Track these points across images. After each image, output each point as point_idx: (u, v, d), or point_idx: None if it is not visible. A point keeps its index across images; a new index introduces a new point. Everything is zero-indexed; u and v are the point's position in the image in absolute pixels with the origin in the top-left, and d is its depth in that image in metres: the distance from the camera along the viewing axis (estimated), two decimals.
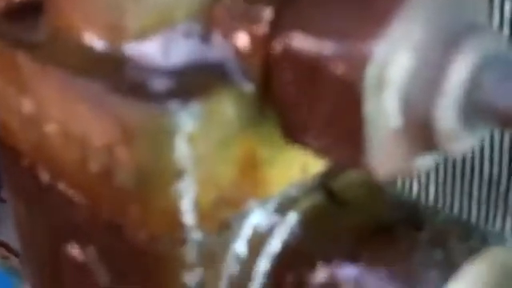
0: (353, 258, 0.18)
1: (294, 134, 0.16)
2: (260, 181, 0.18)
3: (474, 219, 0.41)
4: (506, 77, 0.13)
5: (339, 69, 0.14)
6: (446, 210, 0.42)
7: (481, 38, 0.13)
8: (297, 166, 0.19)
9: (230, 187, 0.18)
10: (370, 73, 0.13)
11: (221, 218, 0.18)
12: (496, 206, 0.39)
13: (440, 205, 0.42)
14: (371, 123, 0.14)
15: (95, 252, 0.20)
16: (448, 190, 0.42)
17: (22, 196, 0.22)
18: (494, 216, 0.40)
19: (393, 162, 0.15)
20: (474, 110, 0.13)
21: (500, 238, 0.17)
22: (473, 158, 0.39)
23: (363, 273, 0.17)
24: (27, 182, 0.21)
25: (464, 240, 0.17)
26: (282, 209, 0.19)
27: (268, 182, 0.19)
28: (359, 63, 0.13)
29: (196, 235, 0.18)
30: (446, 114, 0.13)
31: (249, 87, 0.17)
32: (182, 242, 0.18)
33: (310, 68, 0.14)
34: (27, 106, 0.20)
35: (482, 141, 0.38)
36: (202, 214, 0.18)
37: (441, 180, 0.42)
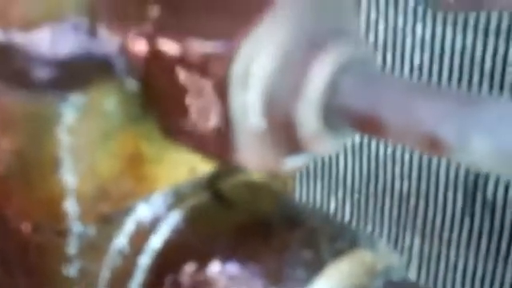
0: (229, 254, 0.18)
1: (171, 132, 0.17)
2: (144, 178, 0.19)
3: (385, 237, 0.42)
4: (362, 82, 0.14)
5: (211, 67, 0.14)
6: (361, 228, 0.43)
7: (342, 43, 0.14)
8: (184, 166, 0.19)
9: (113, 180, 0.18)
10: (236, 69, 0.14)
11: (102, 211, 0.18)
12: (405, 223, 0.41)
13: (356, 222, 0.43)
14: (237, 121, 0.14)
15: None
16: (362, 207, 0.43)
17: None
18: (404, 234, 0.41)
19: (261, 159, 0.15)
20: (332, 112, 0.14)
21: (370, 241, 0.18)
22: (385, 175, 0.40)
23: (236, 270, 0.18)
24: None
25: (334, 241, 0.17)
26: (167, 206, 0.19)
27: (153, 179, 0.19)
28: (226, 61, 0.14)
29: (77, 227, 0.18)
30: (307, 115, 0.14)
31: (132, 84, 0.17)
32: (64, 233, 0.18)
33: (175, 68, 0.15)
34: None
35: (394, 157, 0.40)
36: (83, 206, 0.18)
37: (356, 197, 0.43)
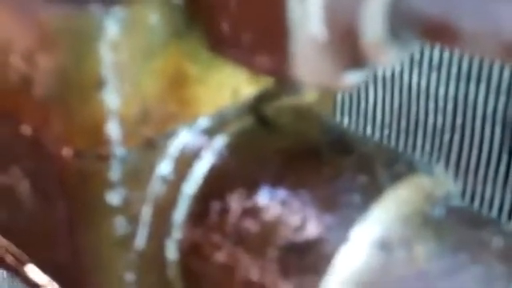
0: (278, 181, 0.17)
1: (220, 46, 0.16)
2: (188, 99, 0.18)
3: None
4: None
5: None
6: None
7: None
8: (228, 88, 0.19)
9: (156, 102, 0.17)
10: None
11: (146, 135, 0.17)
12: (438, 158, 0.40)
13: None
14: (295, 30, 0.13)
15: (20, 173, 0.20)
16: (392, 143, 0.42)
17: None
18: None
19: (319, 74, 0.14)
20: (399, 18, 0.13)
21: (427, 166, 0.17)
22: (417, 109, 0.39)
23: (287, 196, 0.17)
24: None
25: (390, 165, 0.17)
26: (211, 131, 0.18)
27: (196, 101, 0.18)
28: None
29: (120, 151, 0.17)
30: (371, 21, 0.13)
31: None
32: (106, 158, 0.17)
33: None
34: None
35: (428, 90, 0.38)
36: (127, 129, 0.17)
37: (386, 133, 0.42)
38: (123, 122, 0.17)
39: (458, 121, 0.38)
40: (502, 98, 0.36)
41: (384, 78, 0.40)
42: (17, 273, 0.23)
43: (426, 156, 0.41)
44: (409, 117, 0.40)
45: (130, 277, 0.19)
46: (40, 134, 0.18)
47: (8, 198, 0.21)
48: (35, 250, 0.21)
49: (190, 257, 0.18)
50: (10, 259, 0.22)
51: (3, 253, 0.22)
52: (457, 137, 0.39)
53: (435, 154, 0.40)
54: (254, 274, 0.17)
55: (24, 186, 0.20)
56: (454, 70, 0.38)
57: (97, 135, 0.17)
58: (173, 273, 0.19)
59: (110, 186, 0.17)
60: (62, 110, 0.17)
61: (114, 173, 0.17)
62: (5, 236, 0.22)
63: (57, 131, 0.17)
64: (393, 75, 0.40)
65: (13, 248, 0.22)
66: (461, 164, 0.39)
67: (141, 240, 0.18)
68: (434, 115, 0.39)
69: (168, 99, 0.17)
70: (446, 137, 0.39)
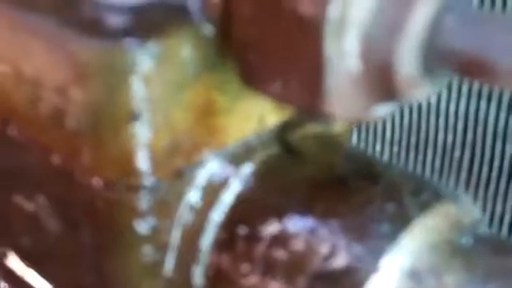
0: (306, 210, 0.17)
1: (252, 78, 0.16)
2: (216, 130, 0.18)
3: None
4: (468, 20, 0.13)
5: (301, 7, 0.14)
6: None
7: None
8: (254, 117, 0.19)
9: (185, 134, 0.17)
10: (332, 12, 0.13)
11: (175, 166, 0.18)
12: (449, 175, 0.40)
13: None
14: (331, 65, 0.14)
15: (46, 200, 0.20)
16: (402, 160, 0.42)
17: None
18: (446, 185, 0.41)
19: (351, 108, 0.15)
20: (434, 54, 0.13)
21: (453, 194, 0.17)
22: (427, 127, 0.40)
23: (316, 225, 0.17)
24: None
25: (417, 194, 0.17)
26: (238, 160, 0.19)
27: (224, 131, 0.18)
28: (322, 1, 0.13)
29: (149, 182, 0.17)
30: (406, 57, 0.13)
31: (208, 29, 0.16)
32: (135, 188, 0.18)
33: (271, 4, 0.14)
34: None
35: (438, 108, 0.39)
36: (156, 161, 0.17)
37: (395, 150, 0.42)
38: (153, 153, 0.17)
39: (469, 138, 0.39)
40: None
41: None
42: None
43: (436, 173, 0.41)
44: (419, 134, 0.41)
45: None
46: (69, 164, 0.18)
47: (32, 224, 0.21)
48: (60, 276, 0.21)
49: (217, 283, 0.19)
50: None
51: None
52: (467, 154, 0.39)
53: (445, 171, 0.40)
54: None
55: (48, 213, 0.20)
56: (465, 87, 0.38)
57: (127, 166, 0.17)
58: None
59: (139, 215, 0.18)
60: (93, 141, 0.17)
61: (143, 202, 0.18)
62: (27, 262, 0.22)
63: (87, 162, 0.18)
64: None
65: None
66: (471, 181, 0.39)
67: (168, 267, 0.19)
68: (445, 132, 0.39)
69: (197, 129, 0.18)
70: (457, 154, 0.39)
